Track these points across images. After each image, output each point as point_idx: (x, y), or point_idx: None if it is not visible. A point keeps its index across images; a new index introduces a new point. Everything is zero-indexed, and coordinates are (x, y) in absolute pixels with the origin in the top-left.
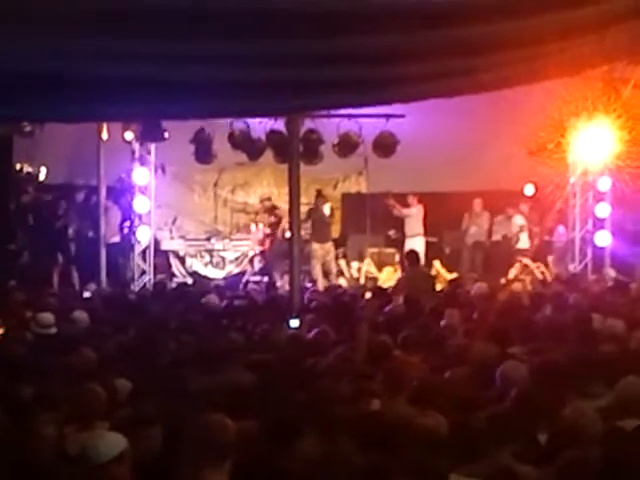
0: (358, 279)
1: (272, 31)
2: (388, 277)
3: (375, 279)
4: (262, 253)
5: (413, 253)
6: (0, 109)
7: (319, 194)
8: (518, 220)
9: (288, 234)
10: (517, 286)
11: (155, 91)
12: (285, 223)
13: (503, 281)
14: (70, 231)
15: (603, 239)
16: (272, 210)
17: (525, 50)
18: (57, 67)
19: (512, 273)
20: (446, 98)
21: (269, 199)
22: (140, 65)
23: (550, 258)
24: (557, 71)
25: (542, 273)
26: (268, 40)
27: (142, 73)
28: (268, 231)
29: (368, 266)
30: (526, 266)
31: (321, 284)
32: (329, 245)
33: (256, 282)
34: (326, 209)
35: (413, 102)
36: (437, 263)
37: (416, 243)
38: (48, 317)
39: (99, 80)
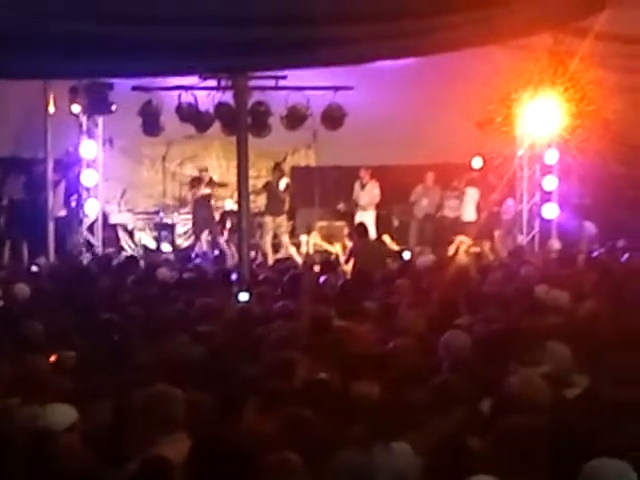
0: (307, 252)
1: None
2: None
3: (324, 252)
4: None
5: (361, 226)
6: None
7: (276, 167)
8: (472, 193)
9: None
10: (463, 258)
11: (102, 48)
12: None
13: (449, 254)
14: (19, 205)
15: (550, 212)
16: (209, 182)
17: (474, 12)
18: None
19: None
20: (396, 59)
21: (206, 170)
22: (86, 22)
23: (497, 232)
24: (505, 34)
25: (479, 250)
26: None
27: (86, 30)
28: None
29: (315, 239)
30: (462, 243)
31: (271, 257)
32: (281, 219)
33: (204, 255)
34: (282, 184)
35: (364, 63)
36: (387, 238)
37: (368, 216)
38: None
39: (51, 36)
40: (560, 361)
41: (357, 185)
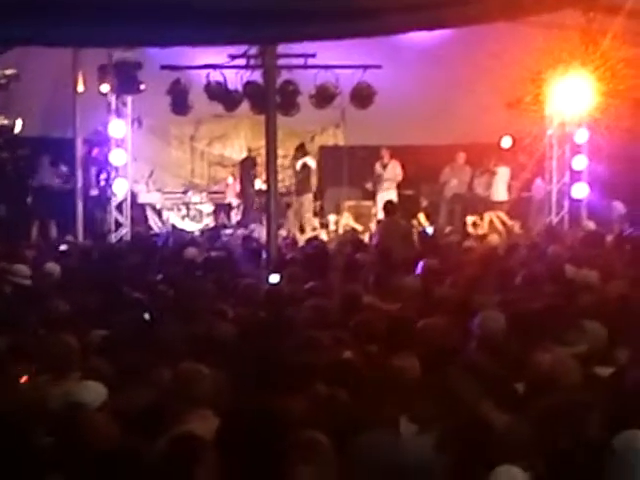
0: (336, 231)
1: None
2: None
3: (354, 231)
4: (240, 205)
5: (390, 203)
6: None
7: (300, 147)
8: (503, 172)
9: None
10: (493, 237)
11: (133, 16)
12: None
13: (474, 232)
14: (48, 184)
15: (580, 191)
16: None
17: None
18: None
19: (475, 225)
20: (427, 30)
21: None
22: None
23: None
24: (535, 8)
25: (506, 226)
26: None
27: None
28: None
29: (347, 219)
30: (491, 221)
31: (299, 237)
32: (304, 198)
33: (232, 235)
34: (305, 163)
35: (394, 34)
36: (422, 216)
37: (390, 195)
38: (23, 268)
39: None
40: (596, 340)
41: (378, 165)
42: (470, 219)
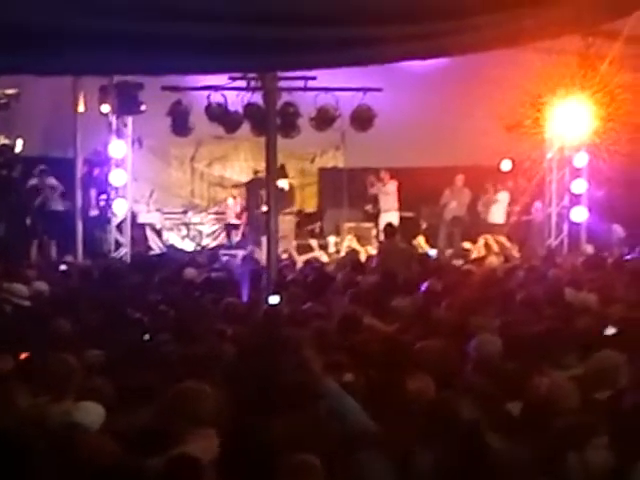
0: (337, 252)
1: None
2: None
3: (354, 252)
4: (239, 226)
5: (390, 226)
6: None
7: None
8: (503, 197)
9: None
10: (492, 260)
11: (133, 45)
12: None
13: (473, 255)
14: (49, 204)
15: (579, 215)
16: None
17: (502, 13)
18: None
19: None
20: (423, 60)
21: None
22: (119, 18)
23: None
24: (534, 35)
25: (503, 248)
26: None
27: (121, 26)
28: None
29: (350, 241)
30: (486, 244)
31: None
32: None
33: (232, 255)
34: (283, 183)
35: (391, 63)
36: (421, 239)
37: (390, 218)
38: (21, 288)
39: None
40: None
41: (377, 187)
42: (467, 244)
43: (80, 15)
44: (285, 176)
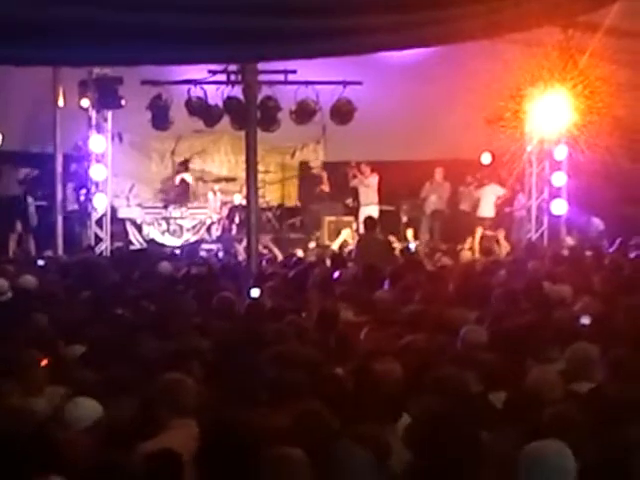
0: (317, 247)
1: None
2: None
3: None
4: (219, 221)
5: (370, 219)
6: None
7: (182, 162)
8: (490, 189)
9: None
10: (467, 254)
11: (113, 37)
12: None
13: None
14: (28, 199)
15: (559, 207)
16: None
17: (482, 4)
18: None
19: (469, 242)
20: (403, 50)
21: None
22: (102, 10)
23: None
24: (513, 26)
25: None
26: None
27: (105, 17)
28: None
29: (346, 235)
30: (483, 236)
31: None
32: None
33: (211, 250)
34: (188, 177)
35: (370, 53)
36: (409, 232)
37: (370, 212)
38: (2, 283)
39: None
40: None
41: (359, 180)
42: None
43: (61, 5)
44: (188, 170)
